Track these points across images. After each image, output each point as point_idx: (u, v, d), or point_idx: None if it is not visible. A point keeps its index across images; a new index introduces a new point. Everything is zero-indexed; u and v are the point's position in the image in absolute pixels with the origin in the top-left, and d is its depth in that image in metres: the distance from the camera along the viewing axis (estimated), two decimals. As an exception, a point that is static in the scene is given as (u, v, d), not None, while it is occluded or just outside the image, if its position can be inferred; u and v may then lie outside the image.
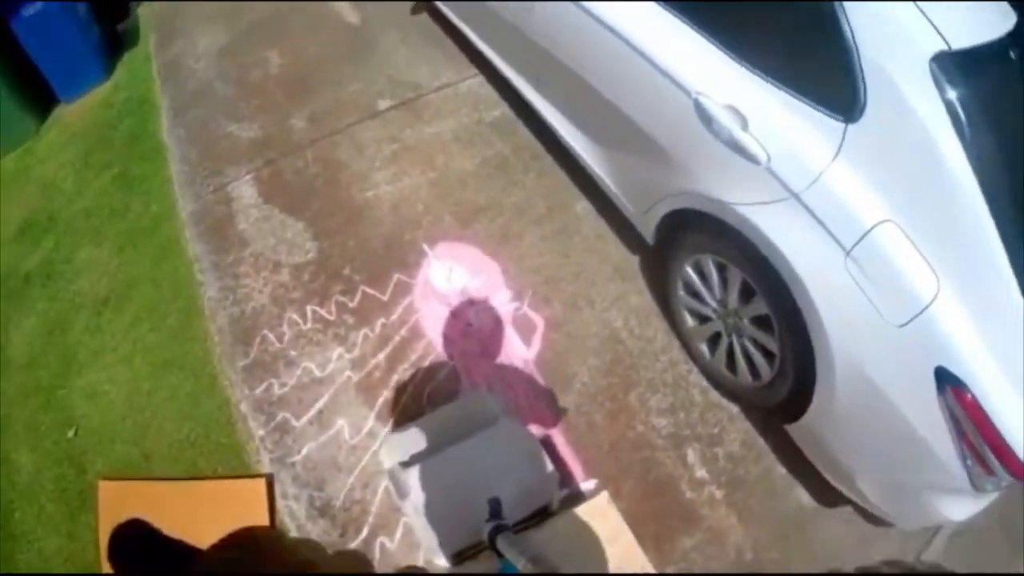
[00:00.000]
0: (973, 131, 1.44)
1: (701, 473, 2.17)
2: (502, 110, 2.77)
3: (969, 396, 1.50)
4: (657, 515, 2.05)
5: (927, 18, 1.46)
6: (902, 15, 1.48)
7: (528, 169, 2.60)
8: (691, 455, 2.21)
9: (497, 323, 2.29)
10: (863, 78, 1.53)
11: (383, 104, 2.82)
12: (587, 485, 2.08)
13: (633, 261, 2.43)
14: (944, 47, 1.43)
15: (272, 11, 3.43)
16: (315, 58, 3.13)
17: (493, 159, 2.62)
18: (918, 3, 1.47)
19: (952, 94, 1.45)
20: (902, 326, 1.54)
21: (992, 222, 1.45)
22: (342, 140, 2.73)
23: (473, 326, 2.29)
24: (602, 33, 1.96)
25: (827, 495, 2.08)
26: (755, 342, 1.97)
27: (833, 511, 2.13)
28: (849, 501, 2.05)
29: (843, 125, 1.56)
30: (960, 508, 1.75)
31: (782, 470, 2.21)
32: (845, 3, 1.52)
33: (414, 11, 3.25)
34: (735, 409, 2.29)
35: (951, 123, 1.44)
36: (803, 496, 2.20)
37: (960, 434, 1.54)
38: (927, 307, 1.50)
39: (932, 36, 1.45)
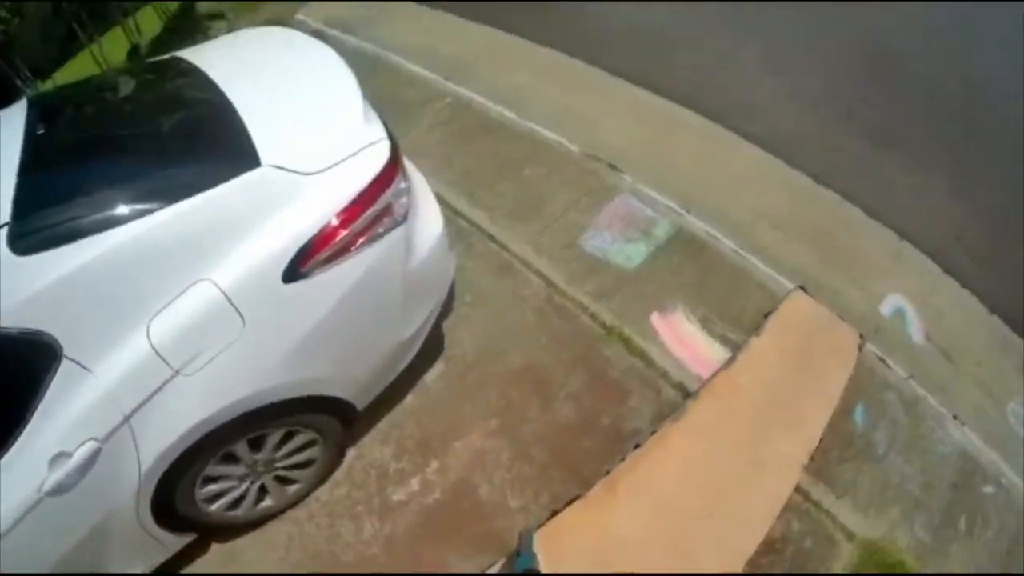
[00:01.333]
0: None
1: (414, 499, 2.46)
2: None
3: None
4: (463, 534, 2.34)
5: None
6: None
7: None
8: (397, 496, 2.46)
9: None
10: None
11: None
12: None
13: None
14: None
15: None
16: None
17: None
18: None
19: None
20: (248, 324, 1.87)
21: None
22: None
23: None
24: None
25: (420, 363, 2.62)
26: (278, 450, 2.22)
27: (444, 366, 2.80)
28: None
29: (61, 358, 1.68)
30: None
31: (415, 401, 2.71)
32: None
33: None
34: (350, 456, 2.55)
35: None
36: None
37: None
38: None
39: None
